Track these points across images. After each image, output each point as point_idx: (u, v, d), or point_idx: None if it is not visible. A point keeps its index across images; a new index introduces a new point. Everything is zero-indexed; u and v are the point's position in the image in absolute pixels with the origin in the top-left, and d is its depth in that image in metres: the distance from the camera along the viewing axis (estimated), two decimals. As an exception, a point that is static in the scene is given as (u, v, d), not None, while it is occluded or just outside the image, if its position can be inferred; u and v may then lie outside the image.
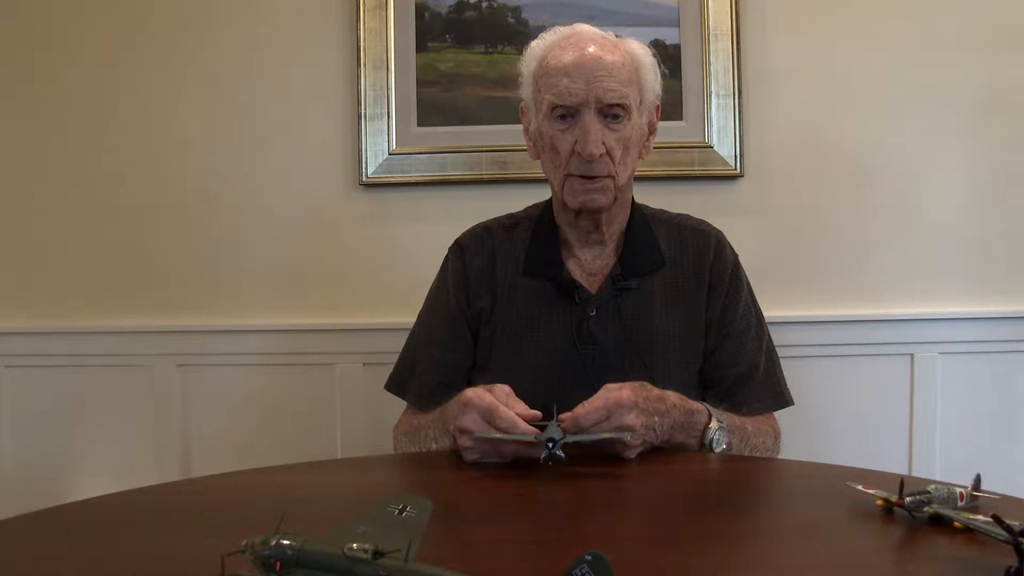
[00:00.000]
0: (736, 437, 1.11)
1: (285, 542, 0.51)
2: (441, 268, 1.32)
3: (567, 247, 1.25)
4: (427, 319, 1.31)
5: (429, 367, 1.26)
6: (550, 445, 0.90)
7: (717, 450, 1.07)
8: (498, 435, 0.95)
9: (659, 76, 1.22)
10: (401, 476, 1.02)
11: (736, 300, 1.25)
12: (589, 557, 0.50)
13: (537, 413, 0.97)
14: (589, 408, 0.97)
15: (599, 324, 1.19)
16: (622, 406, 0.97)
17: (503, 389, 1.00)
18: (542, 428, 0.94)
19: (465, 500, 0.88)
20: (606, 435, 0.95)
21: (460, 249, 1.30)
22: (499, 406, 0.95)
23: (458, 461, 1.13)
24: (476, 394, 0.98)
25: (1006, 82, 1.71)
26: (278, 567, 0.51)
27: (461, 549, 0.72)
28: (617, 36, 1.20)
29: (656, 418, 1.01)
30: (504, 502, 0.84)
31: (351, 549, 0.51)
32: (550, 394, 0.99)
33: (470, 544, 0.73)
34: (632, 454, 0.99)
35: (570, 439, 0.92)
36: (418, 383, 1.26)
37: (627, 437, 0.97)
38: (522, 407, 0.98)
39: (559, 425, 0.94)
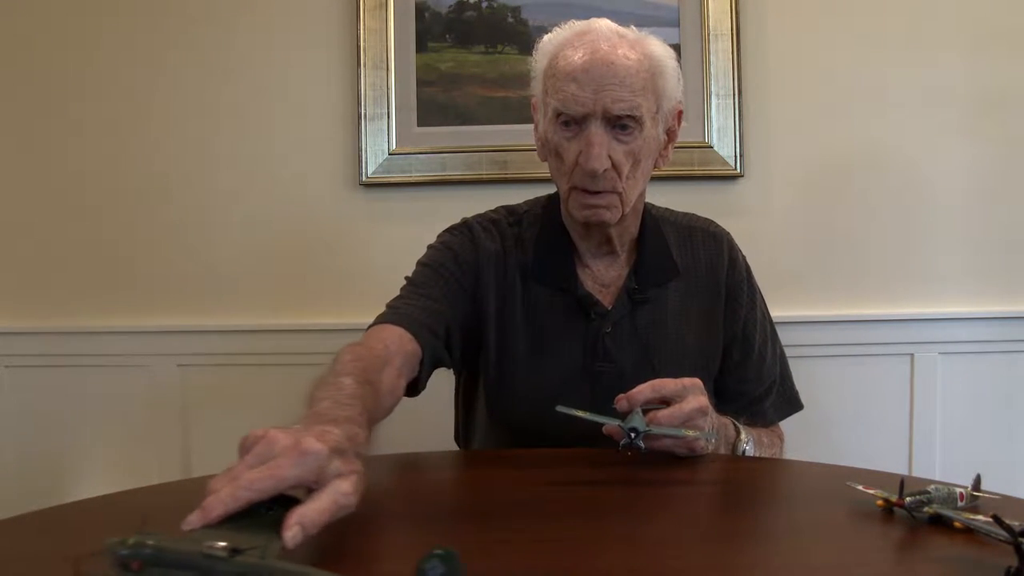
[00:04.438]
0: (758, 447, 1.11)
1: (145, 541, 0.51)
2: (441, 243, 1.20)
3: (578, 256, 1.17)
4: (426, 277, 1.16)
5: (424, 304, 1.12)
6: (632, 435, 0.89)
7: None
8: (582, 414, 0.91)
9: (681, 80, 1.12)
10: (400, 476, 1.02)
11: (754, 311, 1.22)
12: (440, 552, 0.50)
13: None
14: (655, 385, 0.93)
15: (615, 340, 1.13)
16: (697, 387, 0.95)
17: (334, 499, 0.64)
18: (621, 418, 0.92)
19: (465, 500, 0.88)
20: (690, 433, 0.92)
21: (469, 230, 1.20)
22: (279, 461, 0.64)
23: (459, 461, 1.13)
24: (308, 439, 0.66)
25: (1006, 82, 1.71)
26: (136, 567, 0.50)
27: (461, 549, 0.71)
28: (639, 32, 1.11)
29: (713, 417, 0.98)
30: (504, 502, 0.84)
31: (208, 547, 0.51)
32: (558, 413, 0.95)
33: (470, 544, 0.73)
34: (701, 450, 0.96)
35: (654, 430, 0.90)
36: (410, 306, 1.11)
37: (712, 439, 0.95)
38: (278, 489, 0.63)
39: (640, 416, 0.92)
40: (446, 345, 1.13)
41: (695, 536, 0.76)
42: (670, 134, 1.15)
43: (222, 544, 0.51)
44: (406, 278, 1.18)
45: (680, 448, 0.95)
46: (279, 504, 0.62)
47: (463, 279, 1.16)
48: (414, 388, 1.11)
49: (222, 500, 0.60)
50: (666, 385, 0.94)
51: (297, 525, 0.59)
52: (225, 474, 0.64)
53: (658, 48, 1.10)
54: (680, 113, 1.15)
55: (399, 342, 1.04)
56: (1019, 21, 1.71)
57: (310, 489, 0.64)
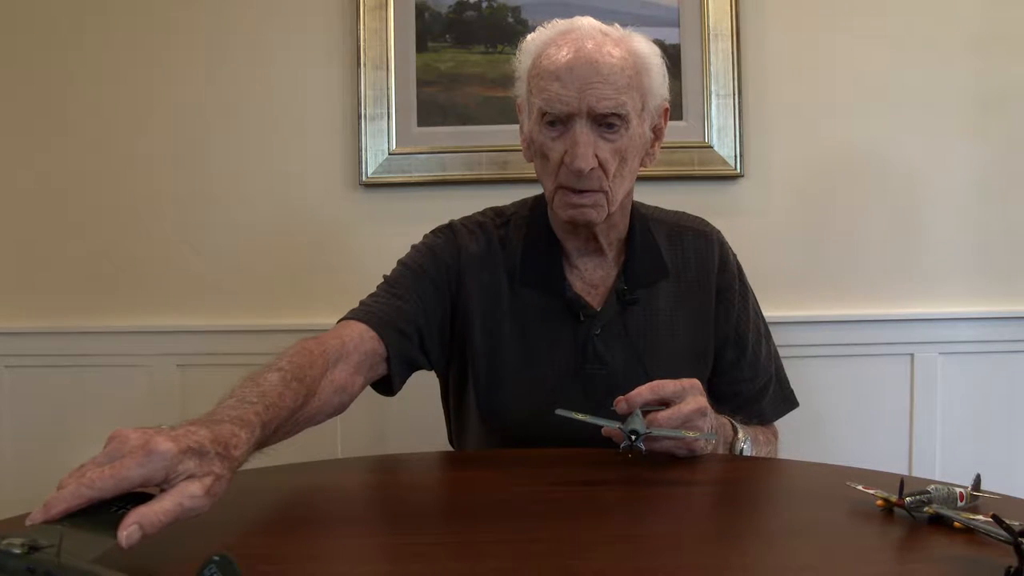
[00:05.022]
0: (754, 446, 1.11)
1: None
2: (423, 243, 1.20)
3: (566, 257, 1.17)
4: (401, 278, 1.15)
5: (397, 304, 1.11)
6: (633, 437, 0.89)
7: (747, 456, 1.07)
8: (582, 417, 0.91)
9: (667, 77, 1.11)
10: (401, 476, 1.02)
11: (746, 311, 1.22)
12: (217, 558, 0.51)
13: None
14: (654, 387, 0.93)
15: (605, 343, 1.13)
16: (696, 388, 0.96)
17: (178, 500, 0.64)
18: (622, 420, 0.92)
19: (465, 500, 0.88)
20: (690, 435, 0.92)
21: (452, 232, 1.19)
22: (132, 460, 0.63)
23: (455, 462, 1.13)
24: (164, 439, 0.64)
25: (1006, 82, 1.71)
26: None
27: (461, 549, 0.72)
28: (624, 29, 1.10)
29: (712, 418, 0.99)
30: (504, 502, 0.84)
31: (6, 544, 0.52)
32: (552, 416, 0.96)
33: (470, 544, 0.73)
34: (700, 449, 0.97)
35: (655, 432, 0.91)
36: (381, 306, 1.10)
37: (712, 439, 0.95)
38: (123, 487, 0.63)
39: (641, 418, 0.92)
40: (421, 346, 1.12)
41: (694, 536, 0.76)
42: (657, 132, 1.14)
43: (20, 541, 0.52)
44: (384, 276, 1.18)
45: (680, 449, 0.95)
46: (134, 503, 0.63)
47: (440, 280, 1.15)
48: (389, 388, 1.11)
49: (63, 497, 0.60)
50: (665, 386, 0.94)
51: (135, 524, 0.59)
52: (75, 471, 0.64)
53: (643, 45, 1.09)
54: (667, 111, 1.15)
55: (359, 339, 1.04)
56: (1020, 21, 1.71)
57: (163, 489, 0.65)
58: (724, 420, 1.07)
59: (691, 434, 0.92)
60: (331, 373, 0.98)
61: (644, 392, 0.93)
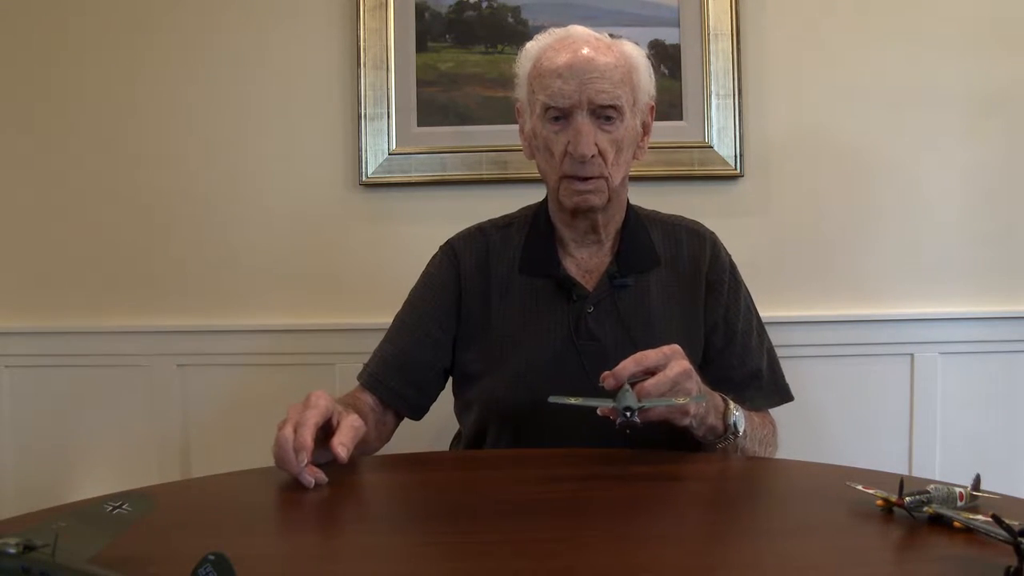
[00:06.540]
0: (748, 423, 1.11)
1: None
2: (429, 267, 1.31)
3: (563, 246, 1.25)
4: (405, 316, 1.28)
5: (390, 352, 1.25)
6: (628, 413, 0.90)
7: (740, 430, 1.08)
8: (575, 401, 0.94)
9: (653, 77, 1.22)
10: (400, 476, 1.02)
11: (737, 302, 1.25)
12: (212, 557, 0.51)
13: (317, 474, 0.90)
14: (641, 359, 0.96)
15: (597, 321, 1.19)
16: (678, 353, 0.98)
17: (350, 423, 0.98)
18: (612, 396, 0.93)
19: (465, 500, 0.88)
20: (681, 400, 0.94)
21: (452, 251, 1.29)
22: (309, 425, 0.92)
23: (460, 461, 1.13)
24: (317, 399, 0.97)
25: (1005, 82, 1.71)
26: None
27: (461, 549, 0.72)
28: (612, 37, 1.21)
29: (698, 380, 1.01)
30: (504, 502, 0.84)
31: (1, 543, 0.53)
32: (549, 392, 0.98)
33: (470, 544, 0.73)
34: (687, 420, 0.99)
35: (646, 404, 0.92)
36: (375, 361, 1.25)
37: (702, 401, 0.98)
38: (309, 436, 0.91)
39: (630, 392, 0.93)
40: (437, 380, 1.26)
41: (694, 535, 0.77)
42: (645, 127, 1.24)
43: (15, 541, 0.53)
44: (398, 315, 1.28)
45: (675, 414, 0.97)
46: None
47: (444, 302, 1.25)
48: (419, 413, 1.27)
49: (303, 438, 0.88)
50: (648, 356, 0.97)
51: (340, 445, 0.92)
52: (285, 424, 0.91)
53: (631, 48, 1.21)
54: (652, 108, 1.24)
55: (369, 409, 1.19)
56: (1019, 21, 1.71)
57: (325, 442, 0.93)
58: (713, 392, 1.09)
59: (682, 399, 0.95)
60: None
61: (629, 365, 0.95)
